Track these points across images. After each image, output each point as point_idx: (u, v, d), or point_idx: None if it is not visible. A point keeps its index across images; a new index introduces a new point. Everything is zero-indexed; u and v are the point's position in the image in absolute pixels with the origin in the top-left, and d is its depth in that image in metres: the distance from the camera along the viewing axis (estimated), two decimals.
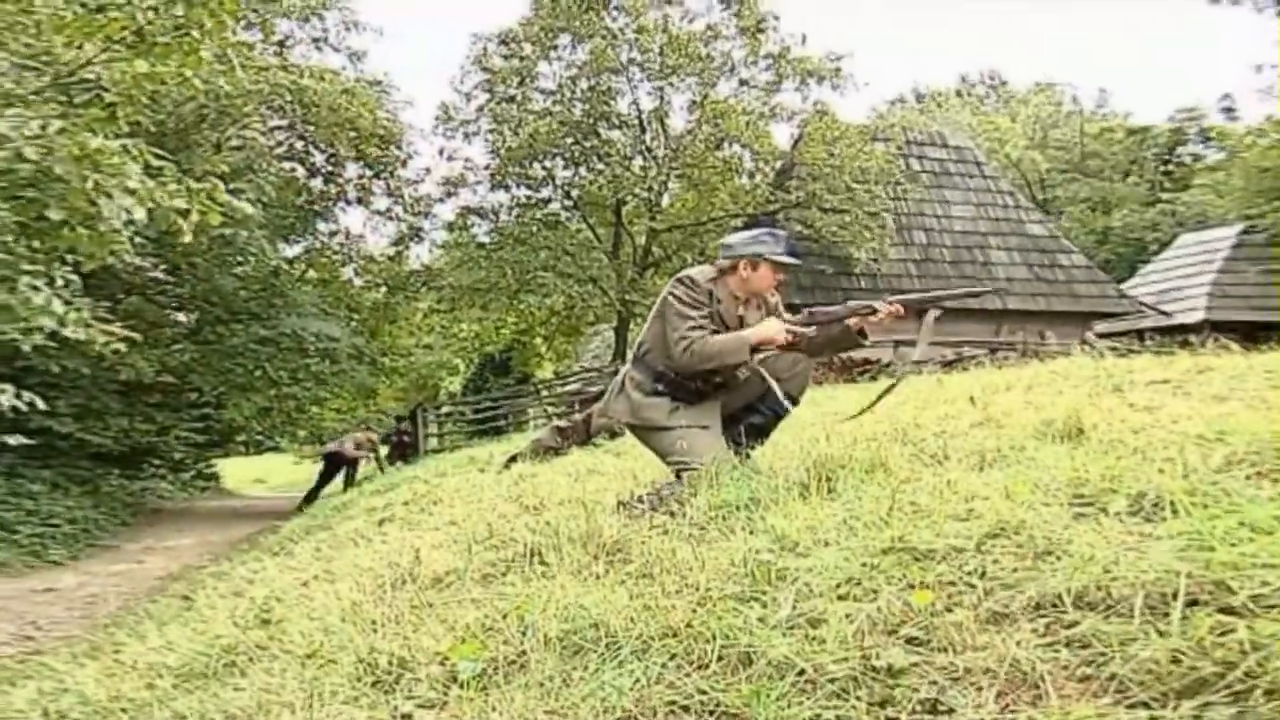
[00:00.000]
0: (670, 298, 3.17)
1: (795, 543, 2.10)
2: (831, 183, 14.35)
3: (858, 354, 10.33)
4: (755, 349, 3.12)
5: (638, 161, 15.42)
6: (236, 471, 24.71)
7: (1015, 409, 4.12)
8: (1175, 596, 1.43)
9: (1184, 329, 15.85)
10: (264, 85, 12.91)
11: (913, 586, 1.73)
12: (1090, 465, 2.27)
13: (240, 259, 13.31)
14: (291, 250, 16.67)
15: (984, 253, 15.94)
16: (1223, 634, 1.33)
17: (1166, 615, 1.41)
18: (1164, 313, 17.01)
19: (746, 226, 11.84)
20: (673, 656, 1.71)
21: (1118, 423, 3.11)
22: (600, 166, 15.34)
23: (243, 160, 12.44)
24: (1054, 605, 1.54)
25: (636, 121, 15.60)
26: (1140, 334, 15.86)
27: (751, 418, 3.26)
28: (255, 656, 2.33)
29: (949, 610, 1.63)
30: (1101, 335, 14.75)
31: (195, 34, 5.59)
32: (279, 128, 15.27)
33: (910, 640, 1.57)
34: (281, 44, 15.54)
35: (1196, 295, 17.63)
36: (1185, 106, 32.14)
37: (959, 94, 38.75)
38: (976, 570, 1.74)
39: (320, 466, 13.89)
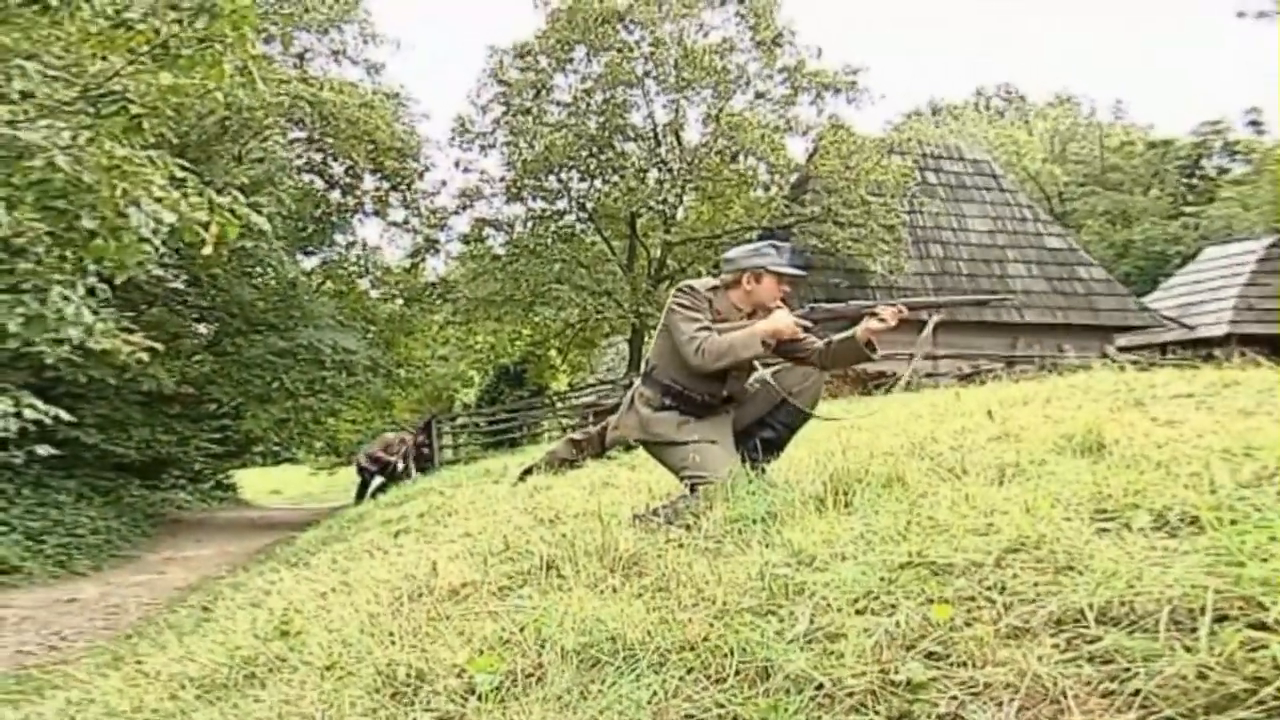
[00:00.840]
0: (673, 307, 3.19)
1: (812, 557, 2.09)
2: (847, 196, 14.33)
3: (873, 367, 10.26)
4: (767, 342, 3.12)
5: (653, 174, 15.47)
6: (253, 482, 24.88)
7: (1034, 423, 4.09)
8: (1203, 612, 1.41)
9: (1208, 343, 15.67)
10: (284, 98, 13.07)
11: (931, 601, 1.71)
12: (1112, 480, 2.24)
13: (259, 270, 13.45)
14: (309, 262, 16.82)
15: (1001, 266, 15.86)
16: (1254, 650, 1.30)
17: (1194, 631, 1.39)
18: (1187, 326, 16.83)
19: (761, 239, 11.83)
20: (690, 670, 1.71)
21: (1140, 437, 3.07)
22: (615, 179, 15.40)
23: (263, 173, 12.58)
24: (1076, 620, 1.52)
25: (652, 134, 15.66)
26: (1162, 348, 15.71)
27: (764, 432, 3.25)
28: (275, 668, 2.35)
29: (968, 625, 1.61)
30: (1122, 349, 14.61)
31: (218, 47, 5.67)
32: (298, 140, 15.44)
33: (929, 655, 1.56)
34: (301, 57, 15.74)
35: (1221, 309, 17.42)
36: (1210, 120, 31.92)
37: (976, 107, 38.68)
38: (996, 585, 1.72)
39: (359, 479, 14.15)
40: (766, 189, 15.94)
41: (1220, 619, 1.40)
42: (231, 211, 5.72)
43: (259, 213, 6.02)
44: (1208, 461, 2.22)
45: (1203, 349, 13.94)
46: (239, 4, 5.49)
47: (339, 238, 17.34)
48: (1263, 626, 1.36)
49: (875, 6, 64.07)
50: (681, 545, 2.50)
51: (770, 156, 14.99)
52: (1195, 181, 31.72)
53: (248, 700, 2.16)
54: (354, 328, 15.31)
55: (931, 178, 16.52)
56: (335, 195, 16.87)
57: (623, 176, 15.13)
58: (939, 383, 10.41)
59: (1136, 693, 1.32)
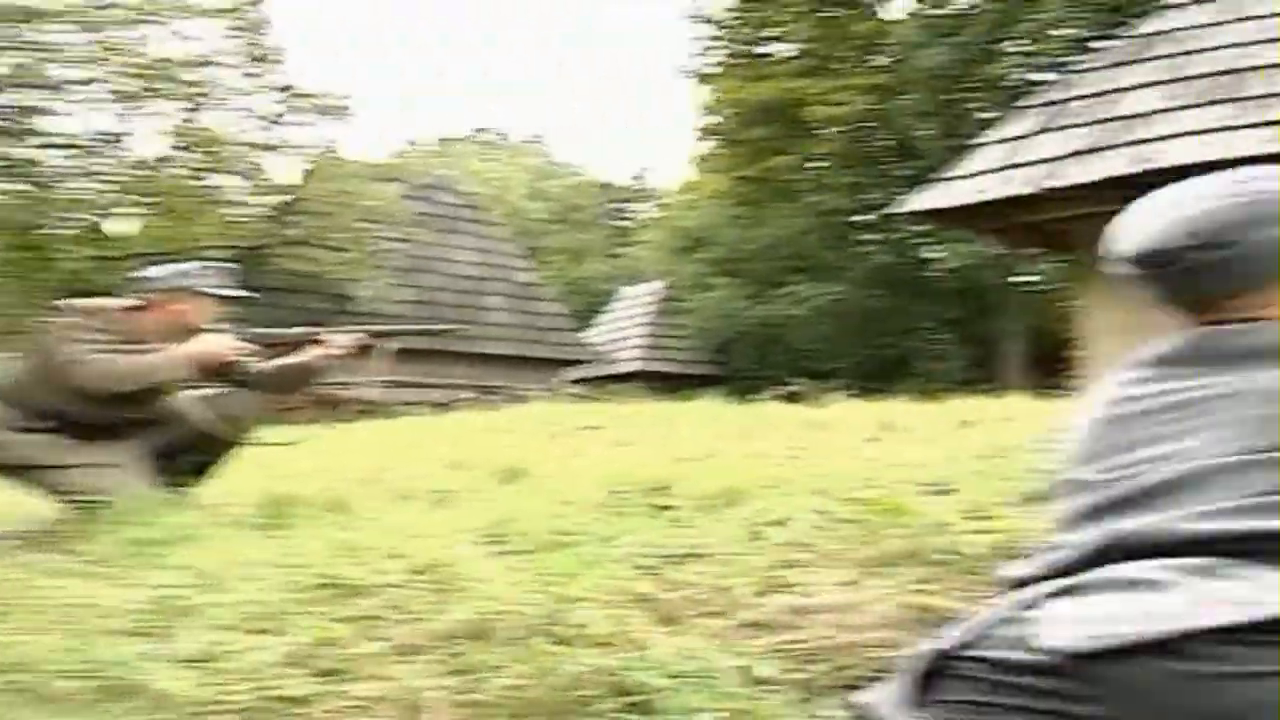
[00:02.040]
0: (61, 325, 2.92)
1: (219, 579, 2.05)
2: (336, 220, 14.07)
3: (346, 392, 10.24)
4: (191, 366, 2.98)
5: (80, 184, 13.40)
6: None
7: (483, 451, 4.54)
8: (533, 629, 1.68)
9: (629, 378, 18.48)
10: None
11: (338, 621, 1.79)
12: (517, 506, 2.56)
13: None
14: None
15: (480, 298, 16.79)
16: (558, 661, 1.58)
17: (525, 644, 1.64)
18: (614, 361, 19.40)
19: (234, 260, 11.05)
20: (21, 691, 1.60)
21: (552, 464, 3.62)
22: (20, 187, 12.99)
23: None
24: (453, 637, 1.70)
25: (83, 143, 13.53)
26: (596, 381, 18.02)
27: (190, 455, 3.10)
28: None
29: (369, 642, 1.71)
30: (573, 381, 16.70)
31: None
32: None
33: (325, 672, 1.61)
34: None
35: (632, 347, 19.96)
36: (643, 165, 37.21)
37: (471, 141, 40.66)
38: (399, 605, 1.85)
39: None
40: (243, 207, 14.90)
41: (542, 634, 1.67)
42: None
43: None
44: (580, 487, 2.71)
45: (623, 383, 16.52)
46: None
47: None
48: (564, 641, 1.64)
49: (390, 35, 63.99)
50: (50, 570, 2.27)
51: (251, 175, 14.07)
52: (627, 222, 36.97)
53: None
54: None
55: (425, 208, 16.84)
56: None
57: (38, 184, 12.86)
58: (414, 410, 10.77)
59: (477, 704, 1.53)
